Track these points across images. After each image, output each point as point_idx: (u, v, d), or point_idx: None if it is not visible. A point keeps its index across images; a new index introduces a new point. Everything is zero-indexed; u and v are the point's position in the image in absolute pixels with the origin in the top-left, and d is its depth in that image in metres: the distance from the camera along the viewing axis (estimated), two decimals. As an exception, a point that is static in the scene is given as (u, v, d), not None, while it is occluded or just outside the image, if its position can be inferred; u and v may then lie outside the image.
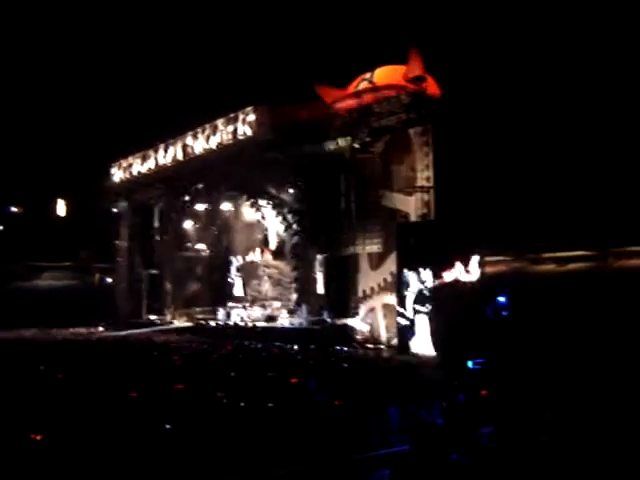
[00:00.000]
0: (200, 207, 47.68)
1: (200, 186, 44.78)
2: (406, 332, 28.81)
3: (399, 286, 29.64)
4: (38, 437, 10.40)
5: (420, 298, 28.39)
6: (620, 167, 29.85)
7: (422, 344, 27.74)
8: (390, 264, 31.68)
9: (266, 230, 44.81)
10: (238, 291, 46.45)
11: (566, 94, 31.93)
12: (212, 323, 43.20)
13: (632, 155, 29.75)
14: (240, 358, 24.12)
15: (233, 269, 47.00)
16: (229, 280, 47.01)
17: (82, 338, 37.98)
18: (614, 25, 31.33)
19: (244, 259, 46.89)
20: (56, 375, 17.94)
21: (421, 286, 28.29)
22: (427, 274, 28.07)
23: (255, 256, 46.16)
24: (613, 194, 29.76)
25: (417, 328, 28.36)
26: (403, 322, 29.01)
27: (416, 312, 28.44)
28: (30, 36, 51.04)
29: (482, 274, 27.94)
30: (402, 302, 29.06)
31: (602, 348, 22.26)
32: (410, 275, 28.69)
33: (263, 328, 38.48)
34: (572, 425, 10.66)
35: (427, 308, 27.93)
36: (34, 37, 51.27)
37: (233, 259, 47.15)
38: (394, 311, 30.58)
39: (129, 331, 42.03)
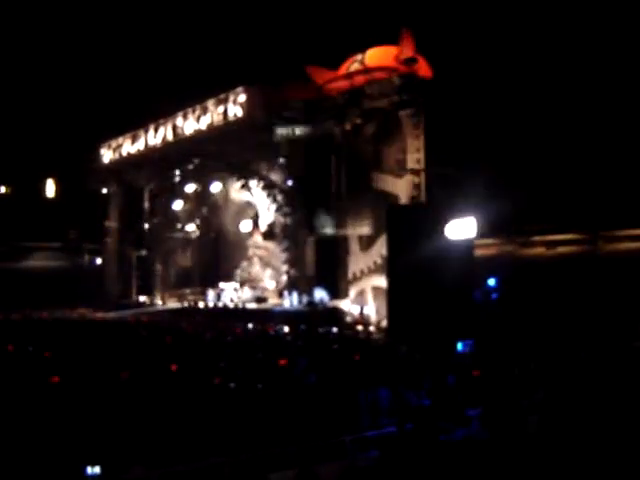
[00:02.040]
0: (190, 188, 47.49)
1: (190, 167, 44.59)
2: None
3: (389, 268, 29.58)
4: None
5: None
6: (610, 151, 29.87)
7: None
8: (380, 246, 31.64)
9: (256, 211, 44.61)
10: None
11: (557, 77, 31.89)
12: (202, 304, 43.13)
13: (622, 139, 29.79)
14: (229, 340, 24.14)
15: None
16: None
17: (70, 319, 37.91)
18: (598, 12, 31.31)
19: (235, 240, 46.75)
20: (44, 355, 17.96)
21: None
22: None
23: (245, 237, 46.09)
24: (603, 178, 29.80)
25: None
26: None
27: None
28: (19, 18, 50.55)
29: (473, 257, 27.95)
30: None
31: (591, 330, 22.34)
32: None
33: (253, 309, 38.46)
34: (561, 406, 10.69)
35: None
36: (23, 19, 50.80)
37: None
38: (384, 293, 30.55)
39: (118, 312, 41.97)
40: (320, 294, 35.06)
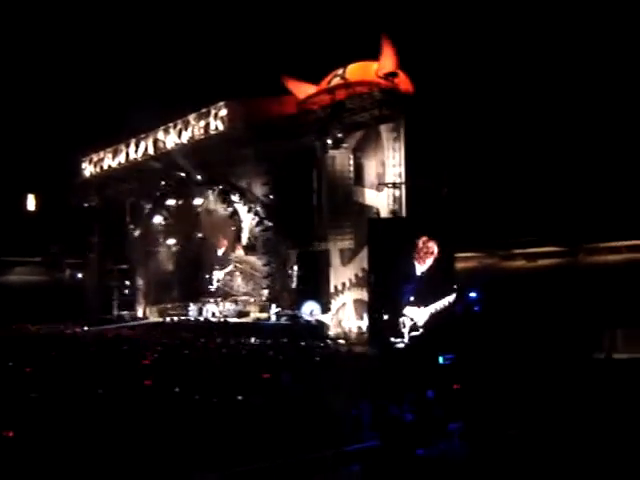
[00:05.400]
0: (171, 202, 47.39)
1: (171, 181, 44.50)
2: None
3: (370, 281, 29.66)
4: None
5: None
6: (590, 164, 30.12)
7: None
8: (361, 260, 31.70)
9: (238, 225, 44.51)
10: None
11: (537, 91, 32.15)
12: (183, 318, 42.98)
13: (603, 152, 30.05)
14: (212, 354, 24.07)
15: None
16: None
17: (50, 334, 37.63)
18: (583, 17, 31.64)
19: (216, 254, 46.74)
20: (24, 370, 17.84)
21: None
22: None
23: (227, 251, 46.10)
24: (583, 190, 30.03)
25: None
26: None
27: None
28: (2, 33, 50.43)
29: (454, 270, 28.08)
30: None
31: (573, 341, 22.47)
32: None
33: (234, 323, 38.36)
34: (541, 420, 10.74)
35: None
36: (5, 31, 50.66)
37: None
38: (365, 306, 30.60)
39: (99, 327, 41.70)
40: (311, 306, 34.90)
